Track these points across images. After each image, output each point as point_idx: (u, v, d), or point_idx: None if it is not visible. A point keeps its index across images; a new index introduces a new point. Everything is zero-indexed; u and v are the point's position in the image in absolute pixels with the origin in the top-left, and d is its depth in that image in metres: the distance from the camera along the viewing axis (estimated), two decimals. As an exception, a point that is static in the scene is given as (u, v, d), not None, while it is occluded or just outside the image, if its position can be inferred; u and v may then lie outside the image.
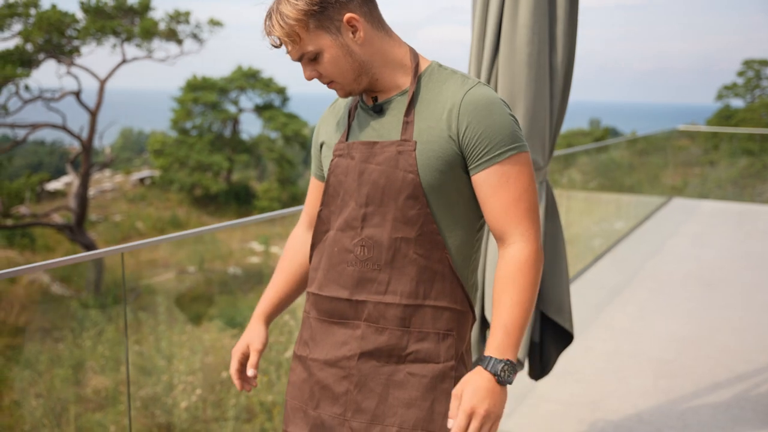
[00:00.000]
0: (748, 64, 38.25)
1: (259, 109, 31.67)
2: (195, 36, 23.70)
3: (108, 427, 7.92)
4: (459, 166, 1.73)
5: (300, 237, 2.07)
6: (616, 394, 4.22)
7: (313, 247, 1.91)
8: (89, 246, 20.02)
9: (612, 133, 43.18)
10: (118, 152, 40.59)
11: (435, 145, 1.71)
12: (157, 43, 23.04)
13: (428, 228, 1.74)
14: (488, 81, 2.80)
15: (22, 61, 20.60)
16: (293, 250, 2.07)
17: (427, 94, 1.76)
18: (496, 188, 1.72)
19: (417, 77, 1.78)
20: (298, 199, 30.94)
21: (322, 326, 1.86)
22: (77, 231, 20.78)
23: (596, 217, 9.60)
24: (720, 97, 38.29)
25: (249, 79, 31.47)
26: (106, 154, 29.63)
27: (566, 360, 4.64)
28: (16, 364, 12.37)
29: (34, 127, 20.87)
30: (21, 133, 21.29)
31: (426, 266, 1.75)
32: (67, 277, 19.58)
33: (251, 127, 33.02)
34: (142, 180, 32.52)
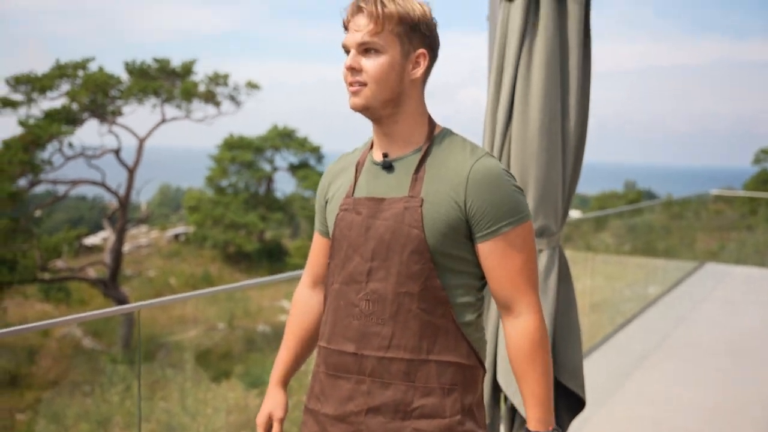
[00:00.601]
0: None
1: (294, 168, 31.92)
2: (233, 98, 24.12)
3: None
4: (463, 232, 1.77)
5: (304, 296, 2.08)
6: (638, 463, 4.15)
7: (325, 300, 1.92)
8: (122, 301, 20.19)
9: (647, 195, 42.75)
10: (156, 208, 41.00)
11: (441, 207, 1.75)
12: (196, 104, 23.47)
13: (432, 283, 1.76)
14: (501, 148, 2.83)
15: (68, 120, 21.15)
16: (300, 311, 2.08)
17: (437, 158, 1.81)
18: (500, 259, 1.77)
19: (431, 139, 1.83)
20: (330, 256, 31.01)
21: (330, 380, 1.85)
22: (111, 286, 20.99)
23: (628, 281, 9.51)
24: (758, 160, 37.98)
25: (284, 138, 31.80)
26: (142, 210, 29.99)
27: (588, 426, 4.58)
28: (43, 418, 12.43)
29: (75, 183, 21.31)
30: (62, 189, 21.77)
31: (429, 321, 1.76)
32: (98, 331, 19.73)
33: (285, 185, 33.28)
34: (176, 236, 32.80)
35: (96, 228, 33.21)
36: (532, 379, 1.78)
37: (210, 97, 23.52)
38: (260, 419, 2.02)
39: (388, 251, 1.76)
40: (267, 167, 31.76)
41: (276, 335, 19.05)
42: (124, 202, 21.67)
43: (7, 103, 21.06)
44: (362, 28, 1.75)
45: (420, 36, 1.78)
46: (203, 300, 25.70)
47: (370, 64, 1.75)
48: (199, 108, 23.62)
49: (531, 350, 1.78)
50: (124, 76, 22.62)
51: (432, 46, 1.81)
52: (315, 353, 1.99)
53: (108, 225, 22.81)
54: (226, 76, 23.78)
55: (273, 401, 2.02)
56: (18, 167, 19.94)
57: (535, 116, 2.73)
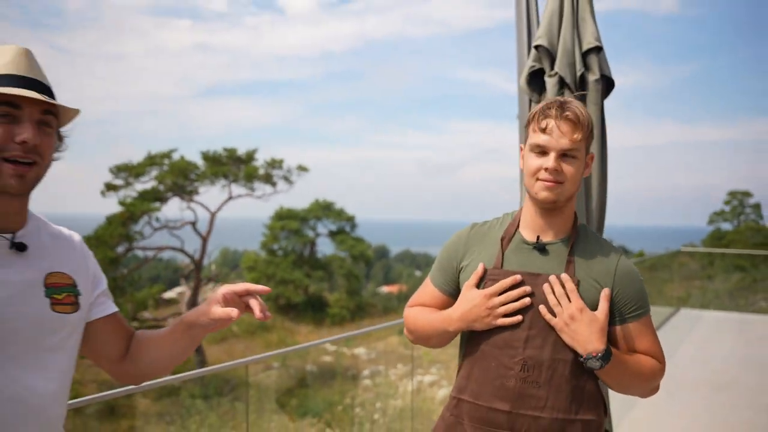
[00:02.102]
0: (732, 194, 38.52)
1: (332, 234, 32.01)
2: (286, 178, 24.40)
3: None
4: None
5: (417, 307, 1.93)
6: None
7: (465, 357, 1.81)
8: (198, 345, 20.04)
9: (623, 250, 42.39)
10: (218, 268, 41.24)
11: (591, 289, 1.70)
12: (256, 184, 23.77)
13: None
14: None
15: (155, 198, 21.58)
16: (426, 307, 1.91)
17: (584, 248, 1.75)
18: (641, 335, 1.74)
19: (576, 229, 1.77)
20: (363, 307, 30.77)
21: None
22: (187, 332, 20.89)
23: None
24: (711, 221, 38.35)
25: (324, 209, 31.98)
26: (212, 270, 30.03)
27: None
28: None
29: (160, 249, 21.51)
30: (150, 254, 21.94)
31: (577, 385, 1.69)
32: (177, 369, 19.60)
33: (325, 248, 33.30)
34: (238, 291, 32.77)
35: (170, 284, 33.31)
36: (640, 360, 1.72)
37: (268, 179, 23.81)
38: None
39: (546, 322, 1.68)
40: (310, 233, 31.86)
41: (321, 373, 18.80)
42: (199, 264, 21.76)
43: (111, 187, 21.91)
44: (567, 134, 1.65)
45: (591, 141, 1.73)
46: (260, 341, 25.54)
47: (569, 169, 1.68)
48: (259, 187, 23.95)
49: (651, 364, 1.73)
50: (200, 162, 23.06)
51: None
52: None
53: (184, 282, 22.87)
54: (281, 161, 24.14)
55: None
56: (117, 238, 20.48)
57: (566, 196, 2.69)
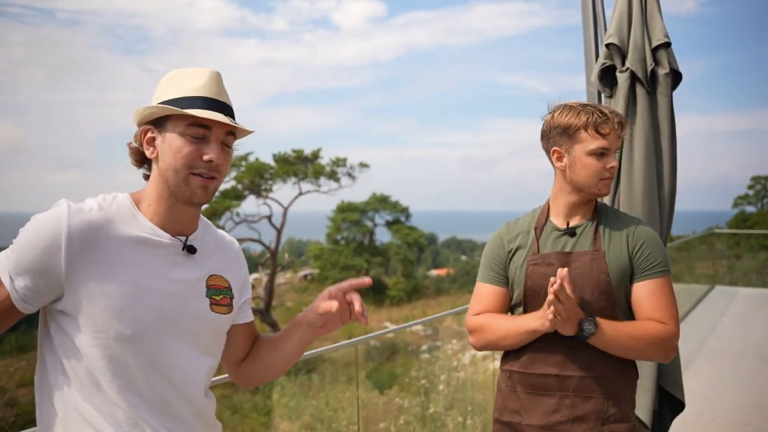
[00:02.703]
0: (756, 179, 37.61)
1: (389, 224, 32.08)
2: (349, 174, 24.53)
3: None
4: (628, 277, 1.73)
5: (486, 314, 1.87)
6: (708, 450, 3.83)
7: None
8: (273, 324, 20.35)
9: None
10: (290, 257, 41.87)
11: (617, 258, 1.72)
12: (323, 181, 23.97)
13: (613, 317, 1.70)
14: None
15: (235, 196, 21.93)
16: (493, 314, 1.83)
17: (607, 223, 1.78)
18: (652, 295, 1.71)
19: (598, 210, 1.81)
20: (418, 289, 30.77)
21: (531, 398, 1.74)
22: (266, 314, 21.26)
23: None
24: (736, 204, 37.47)
25: (381, 202, 32.08)
26: (286, 258, 30.45)
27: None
28: (227, 409, 12.50)
29: (241, 241, 21.91)
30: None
31: None
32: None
33: (383, 236, 33.42)
34: (305, 276, 33.15)
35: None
36: (634, 326, 1.67)
37: (333, 175, 23.97)
38: None
39: (581, 292, 1.69)
40: (369, 224, 32.00)
41: (384, 348, 18.87)
42: (274, 253, 22.08)
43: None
44: (622, 137, 1.76)
45: None
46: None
47: (615, 163, 1.75)
48: (325, 183, 24.14)
49: (651, 329, 1.66)
50: (272, 163, 23.34)
51: None
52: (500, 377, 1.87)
53: (261, 269, 23.25)
54: (345, 159, 24.29)
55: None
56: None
57: (638, 185, 2.58)
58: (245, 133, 1.35)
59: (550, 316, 1.62)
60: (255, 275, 30.22)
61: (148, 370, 1.22)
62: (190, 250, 1.31)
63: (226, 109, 1.30)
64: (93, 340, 1.19)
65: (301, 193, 23.43)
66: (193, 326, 1.29)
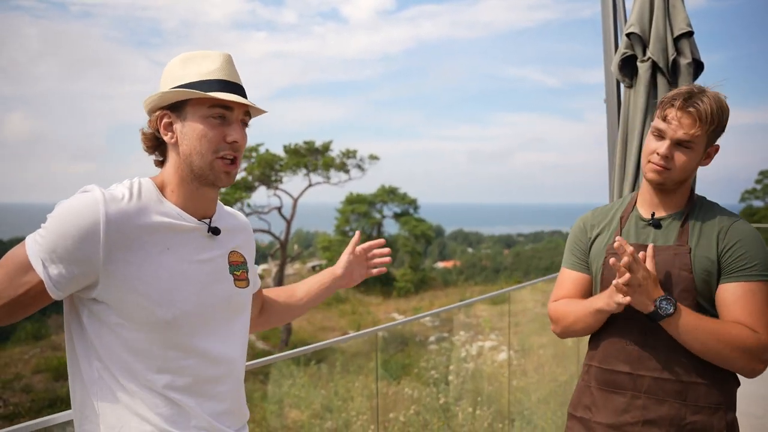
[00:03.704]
0: (764, 173, 37.89)
1: (397, 216, 32.04)
2: (359, 167, 24.43)
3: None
4: (715, 277, 1.55)
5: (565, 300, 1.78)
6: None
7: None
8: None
9: (740, 218, 41.60)
10: (299, 248, 41.96)
11: (704, 256, 1.56)
12: (332, 173, 23.88)
13: None
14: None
15: (246, 187, 21.89)
16: (567, 299, 1.76)
17: (699, 217, 1.62)
18: (742, 300, 1.52)
19: (691, 203, 1.64)
20: (425, 281, 30.73)
21: (603, 394, 1.64)
22: (274, 304, 21.25)
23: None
24: (743, 199, 37.52)
25: (389, 194, 32.02)
26: (295, 249, 30.51)
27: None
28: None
29: (251, 231, 21.94)
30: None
31: None
32: (267, 336, 19.99)
33: (391, 228, 33.40)
34: (314, 267, 33.20)
35: (257, 262, 34.03)
36: (719, 325, 1.50)
37: (342, 167, 23.88)
38: None
39: (662, 289, 1.54)
40: (377, 216, 31.98)
41: (392, 338, 18.88)
42: (284, 244, 22.09)
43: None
44: (685, 127, 1.54)
45: (720, 134, 1.60)
46: (336, 312, 25.80)
47: (680, 158, 1.57)
48: (335, 176, 24.04)
49: (738, 331, 1.48)
50: (283, 155, 23.28)
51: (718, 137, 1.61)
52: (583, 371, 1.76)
53: (271, 260, 23.28)
54: (355, 152, 24.18)
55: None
56: (213, 224, 20.86)
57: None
58: (259, 112, 1.36)
59: (620, 295, 1.51)
60: (264, 266, 30.27)
61: (187, 351, 1.24)
62: (215, 231, 1.32)
63: (242, 90, 1.31)
64: (132, 327, 1.19)
65: (311, 185, 23.40)
66: (224, 304, 1.32)
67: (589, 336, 1.74)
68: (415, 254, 30.92)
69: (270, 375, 12.63)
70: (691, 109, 1.53)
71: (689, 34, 2.50)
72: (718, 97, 1.56)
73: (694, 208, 1.64)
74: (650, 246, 1.52)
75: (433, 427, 6.00)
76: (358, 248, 1.73)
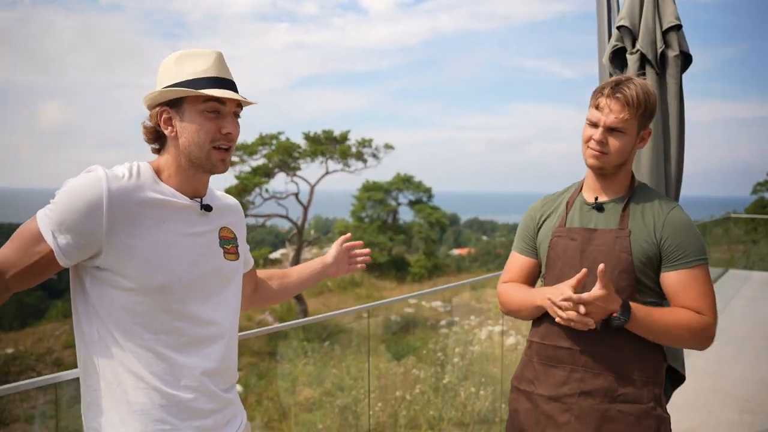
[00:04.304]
0: None
1: (412, 203, 32.03)
2: (374, 155, 24.43)
3: (316, 424, 7.98)
4: (655, 262, 1.64)
5: (511, 284, 1.88)
6: (709, 423, 3.83)
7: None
8: (300, 297, 20.51)
9: (678, 205, 40.85)
10: (316, 233, 42.12)
11: (642, 240, 1.64)
12: (349, 161, 23.91)
13: (635, 296, 1.64)
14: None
15: (265, 173, 22.03)
16: (516, 284, 1.86)
17: (639, 203, 1.69)
18: (685, 286, 1.61)
19: (632, 189, 1.73)
20: (439, 267, 30.77)
21: (544, 368, 1.73)
22: (291, 287, 21.37)
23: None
24: (755, 191, 36.81)
25: (405, 182, 31.99)
26: (311, 234, 30.70)
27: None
28: (254, 375, 12.76)
29: (269, 216, 22.05)
30: (260, 220, 22.55)
31: None
32: (283, 317, 20.21)
33: (406, 216, 33.41)
34: (331, 252, 33.33)
35: (275, 247, 34.19)
36: (670, 315, 1.59)
37: (359, 156, 23.91)
38: None
39: (599, 272, 1.61)
40: (393, 203, 31.98)
41: (405, 323, 19.01)
42: (301, 229, 22.23)
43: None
44: (615, 113, 1.63)
45: (650, 118, 1.68)
46: (351, 295, 25.97)
47: (614, 142, 1.65)
48: (351, 164, 24.06)
49: (687, 317, 1.59)
50: (302, 143, 23.38)
51: (650, 122, 1.70)
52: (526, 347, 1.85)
53: (288, 245, 23.44)
54: (370, 140, 24.17)
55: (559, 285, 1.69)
56: (234, 207, 21.01)
57: (646, 161, 2.58)
58: (249, 104, 1.45)
59: (560, 312, 1.59)
60: (282, 250, 30.47)
61: (179, 314, 1.34)
62: (207, 208, 1.43)
63: (233, 85, 1.40)
64: (130, 291, 1.29)
65: (327, 172, 23.47)
66: (214, 273, 1.42)
67: None
68: (429, 241, 30.95)
69: (285, 354, 12.84)
70: (618, 95, 1.62)
71: (677, 27, 2.55)
72: (643, 83, 1.66)
73: (634, 194, 1.72)
74: (600, 266, 1.54)
75: (437, 405, 6.10)
76: (345, 245, 1.92)
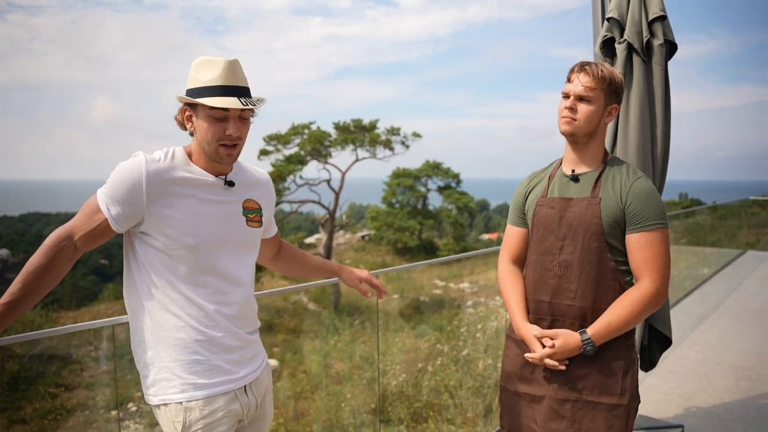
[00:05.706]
0: None
1: (441, 189, 31.99)
2: (403, 143, 24.56)
3: (345, 395, 8.24)
4: (621, 225, 1.80)
5: (507, 264, 2.04)
6: (707, 390, 3.93)
7: (525, 267, 1.98)
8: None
9: (696, 203, 39.65)
10: (348, 218, 42.35)
11: (611, 206, 1.79)
12: (378, 149, 24.10)
13: (604, 256, 1.80)
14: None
15: (298, 161, 22.39)
16: (514, 276, 2.00)
17: (610, 174, 1.84)
18: (642, 247, 1.77)
19: (605, 162, 1.88)
20: (467, 249, 30.73)
21: (531, 320, 1.92)
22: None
23: (686, 264, 8.91)
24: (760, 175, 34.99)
25: (434, 169, 31.95)
26: (343, 220, 31.00)
27: (667, 363, 4.38)
28: (289, 351, 13.09)
29: (302, 202, 22.39)
30: (294, 206, 22.91)
31: (602, 281, 1.81)
32: (318, 298, 20.56)
33: (435, 201, 33.41)
34: (363, 237, 33.59)
35: (310, 232, 34.59)
36: (617, 311, 1.76)
37: (387, 144, 24.07)
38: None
39: (575, 233, 1.81)
40: (422, 189, 31.99)
41: (433, 302, 19.17)
42: (333, 215, 22.53)
43: (264, 152, 22.82)
44: (583, 83, 1.80)
45: (617, 96, 1.84)
46: (383, 278, 26.21)
47: (583, 110, 1.81)
48: (380, 151, 24.24)
49: (630, 299, 1.75)
50: (333, 132, 23.62)
51: (619, 102, 1.86)
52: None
53: (321, 230, 23.74)
54: (398, 129, 24.29)
55: (528, 329, 1.88)
56: (270, 193, 21.42)
57: (633, 142, 2.69)
58: (251, 108, 1.59)
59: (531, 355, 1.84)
60: (316, 235, 30.83)
61: (208, 269, 1.59)
62: (230, 184, 1.66)
63: (242, 91, 1.56)
64: (168, 250, 1.55)
65: (357, 160, 23.69)
66: (236, 238, 1.65)
67: (523, 272, 2.02)
68: (458, 225, 30.93)
69: (317, 333, 13.15)
70: (586, 68, 1.81)
71: (662, 18, 2.65)
72: (611, 67, 1.84)
73: (606, 166, 1.87)
74: (541, 352, 1.83)
75: (457, 374, 6.28)
76: (374, 281, 2.14)
